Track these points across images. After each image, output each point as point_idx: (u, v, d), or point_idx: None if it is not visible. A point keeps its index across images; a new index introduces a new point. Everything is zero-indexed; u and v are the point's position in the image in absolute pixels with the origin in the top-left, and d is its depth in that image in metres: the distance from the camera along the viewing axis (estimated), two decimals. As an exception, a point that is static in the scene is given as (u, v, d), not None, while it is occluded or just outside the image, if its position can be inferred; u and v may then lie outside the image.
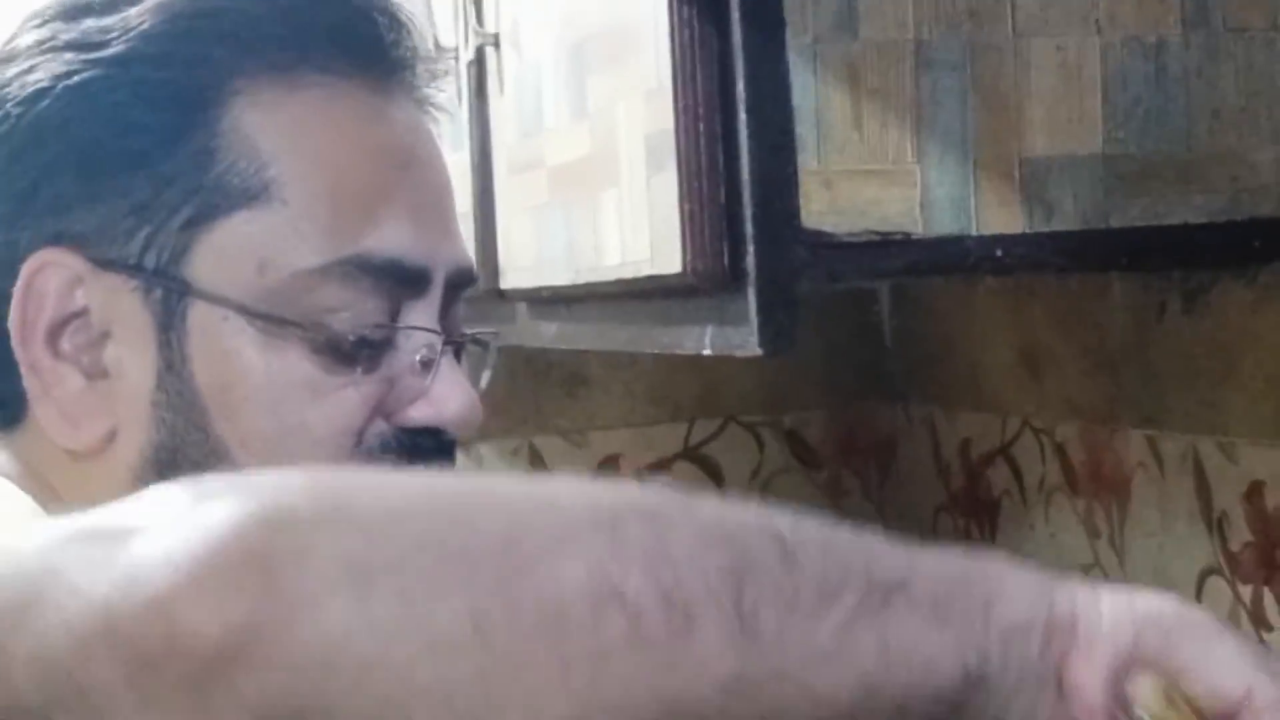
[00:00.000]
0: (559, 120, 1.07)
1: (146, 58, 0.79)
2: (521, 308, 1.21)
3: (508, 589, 0.51)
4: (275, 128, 0.79)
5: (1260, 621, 1.25)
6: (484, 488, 0.60)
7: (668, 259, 0.88)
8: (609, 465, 1.70)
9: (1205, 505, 1.31)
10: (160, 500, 0.53)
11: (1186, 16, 0.87)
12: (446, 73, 0.89)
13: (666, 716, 0.53)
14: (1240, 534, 1.26)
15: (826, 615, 0.55)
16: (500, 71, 1.19)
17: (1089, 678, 0.61)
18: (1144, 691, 0.61)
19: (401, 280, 0.80)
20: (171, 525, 0.51)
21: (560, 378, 1.67)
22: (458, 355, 0.85)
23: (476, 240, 1.22)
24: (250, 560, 0.50)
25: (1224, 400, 1.28)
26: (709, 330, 0.89)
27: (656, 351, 0.97)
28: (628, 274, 0.96)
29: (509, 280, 1.20)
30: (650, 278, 0.92)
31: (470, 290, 0.89)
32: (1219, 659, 0.62)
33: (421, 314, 0.80)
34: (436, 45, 1.21)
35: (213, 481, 0.53)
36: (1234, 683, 0.61)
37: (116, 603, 0.50)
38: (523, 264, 1.18)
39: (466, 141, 1.23)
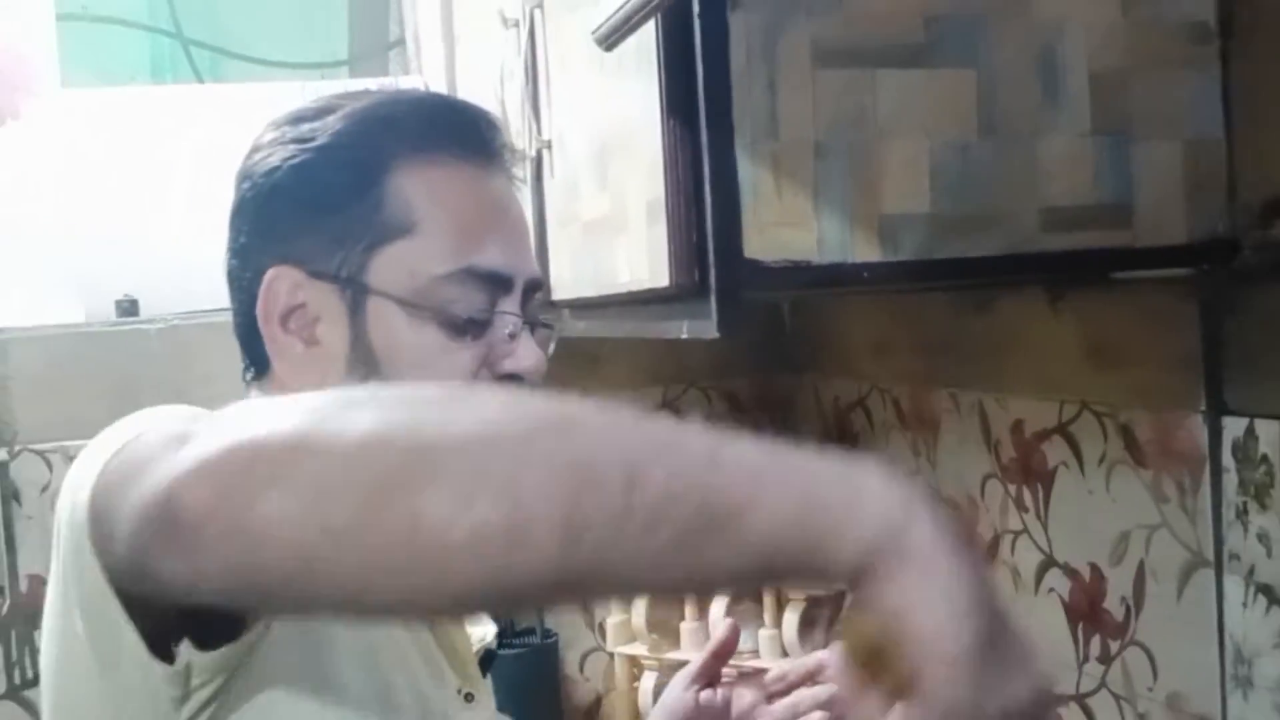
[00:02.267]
0: (589, 191, 1.09)
1: (340, 147, 0.82)
2: (565, 312, 1.22)
3: (399, 502, 0.48)
4: (419, 188, 0.82)
5: (1021, 505, 1.27)
6: (428, 410, 0.53)
7: (659, 278, 0.89)
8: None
9: (986, 435, 1.32)
10: (225, 415, 0.55)
11: (982, 126, 0.88)
12: (524, 159, 0.92)
13: (502, 594, 0.50)
14: (1008, 452, 1.28)
15: (654, 533, 0.49)
16: (552, 162, 1.20)
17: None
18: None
19: (496, 283, 0.83)
20: (204, 437, 0.53)
21: (584, 358, 1.68)
22: (533, 331, 0.87)
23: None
24: (233, 463, 0.51)
25: (1000, 370, 1.30)
26: (685, 323, 0.90)
27: (650, 337, 0.98)
28: (633, 288, 0.97)
29: (557, 294, 1.21)
30: (647, 290, 0.93)
31: (539, 295, 0.91)
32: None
33: (509, 304, 0.84)
34: (511, 148, 1.24)
35: (268, 403, 0.54)
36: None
37: (161, 482, 0.53)
38: (565, 283, 1.19)
39: (529, 207, 1.24)
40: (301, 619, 0.70)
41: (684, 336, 0.91)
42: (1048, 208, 0.90)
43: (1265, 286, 0.94)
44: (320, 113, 0.84)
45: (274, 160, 0.83)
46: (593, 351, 1.69)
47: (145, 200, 1.62)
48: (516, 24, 1.25)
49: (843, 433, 1.65)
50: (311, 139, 0.82)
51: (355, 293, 0.81)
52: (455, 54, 1.54)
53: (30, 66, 1.64)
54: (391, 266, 0.81)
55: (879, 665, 0.51)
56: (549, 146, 1.20)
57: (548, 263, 1.22)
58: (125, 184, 1.64)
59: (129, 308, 1.61)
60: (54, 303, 1.61)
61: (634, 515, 0.48)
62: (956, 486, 1.39)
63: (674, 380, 1.74)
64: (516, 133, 1.23)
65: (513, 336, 0.84)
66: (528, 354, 0.84)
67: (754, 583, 0.53)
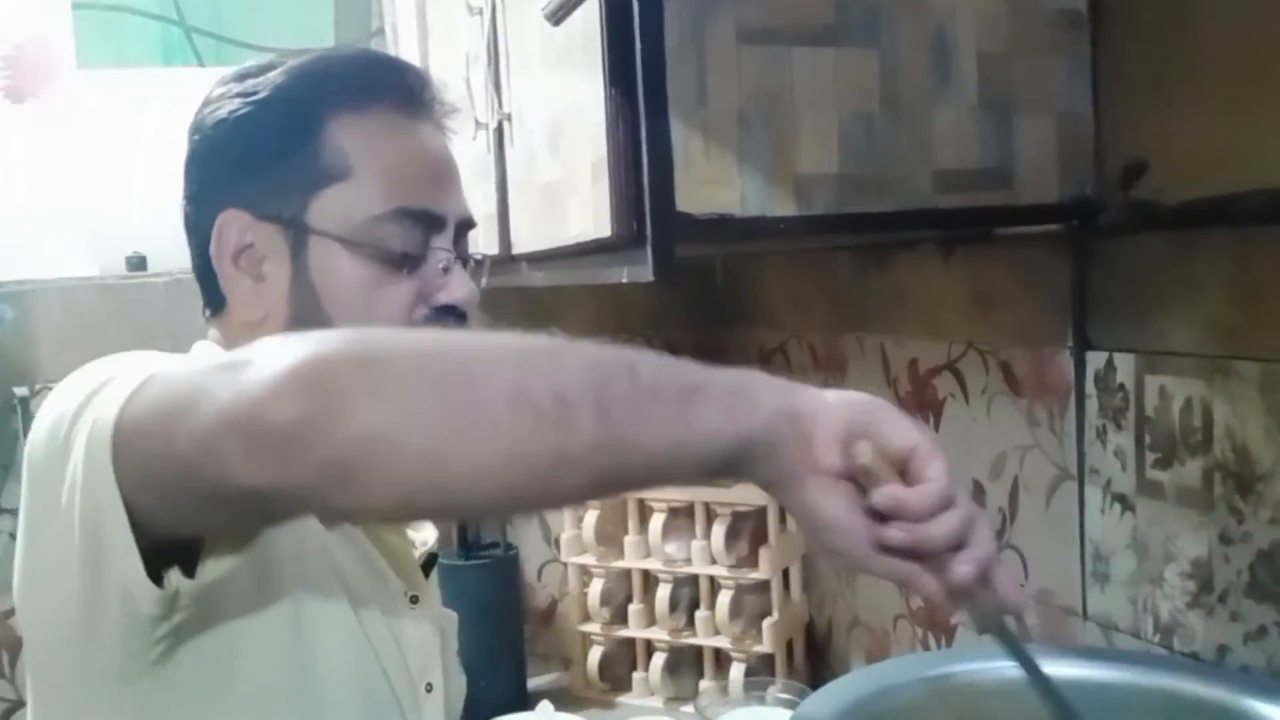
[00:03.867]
0: (544, 158, 1.06)
1: (280, 100, 0.80)
2: (523, 264, 1.20)
3: (464, 395, 0.52)
4: (353, 136, 0.80)
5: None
6: (454, 339, 0.59)
7: (602, 230, 0.87)
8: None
9: (887, 373, 1.32)
10: (268, 345, 0.54)
11: (883, 99, 0.87)
12: (457, 109, 0.89)
13: (557, 463, 0.53)
14: (905, 387, 1.28)
15: (653, 405, 0.56)
16: (512, 134, 1.17)
17: (826, 445, 0.61)
18: (862, 450, 0.61)
19: (429, 221, 0.81)
20: (268, 359, 0.52)
21: (542, 311, 1.65)
22: (466, 266, 0.85)
23: (499, 228, 1.21)
24: (309, 380, 0.50)
25: (898, 317, 1.29)
26: (625, 269, 0.88)
27: (597, 283, 0.96)
28: (581, 240, 0.95)
29: (517, 249, 1.18)
30: (593, 241, 0.91)
31: (487, 257, 0.89)
32: (898, 428, 0.62)
33: (442, 241, 0.82)
34: (477, 122, 1.20)
35: (298, 336, 0.53)
36: (908, 440, 0.61)
37: (235, 401, 0.51)
38: (524, 239, 1.16)
39: (493, 174, 1.21)
40: (362, 516, 0.73)
41: (624, 281, 0.89)
42: (939, 171, 0.89)
43: (1124, 240, 0.94)
44: (263, 69, 0.81)
45: (221, 113, 0.80)
46: (549, 305, 1.67)
47: (152, 168, 1.57)
48: (480, 12, 1.21)
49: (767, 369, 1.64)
50: (254, 93, 0.79)
51: (297, 233, 0.78)
52: (429, 41, 1.49)
53: (49, 50, 1.60)
54: (330, 208, 0.78)
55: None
56: (509, 120, 1.17)
57: (509, 223, 1.19)
58: (134, 154, 1.59)
59: (138, 263, 1.58)
60: (71, 259, 1.57)
61: (639, 391, 0.55)
62: (861, 418, 1.39)
63: (620, 330, 1.72)
64: (480, 109, 1.20)
65: (446, 271, 0.81)
66: (460, 286, 0.82)
67: (725, 441, 0.57)
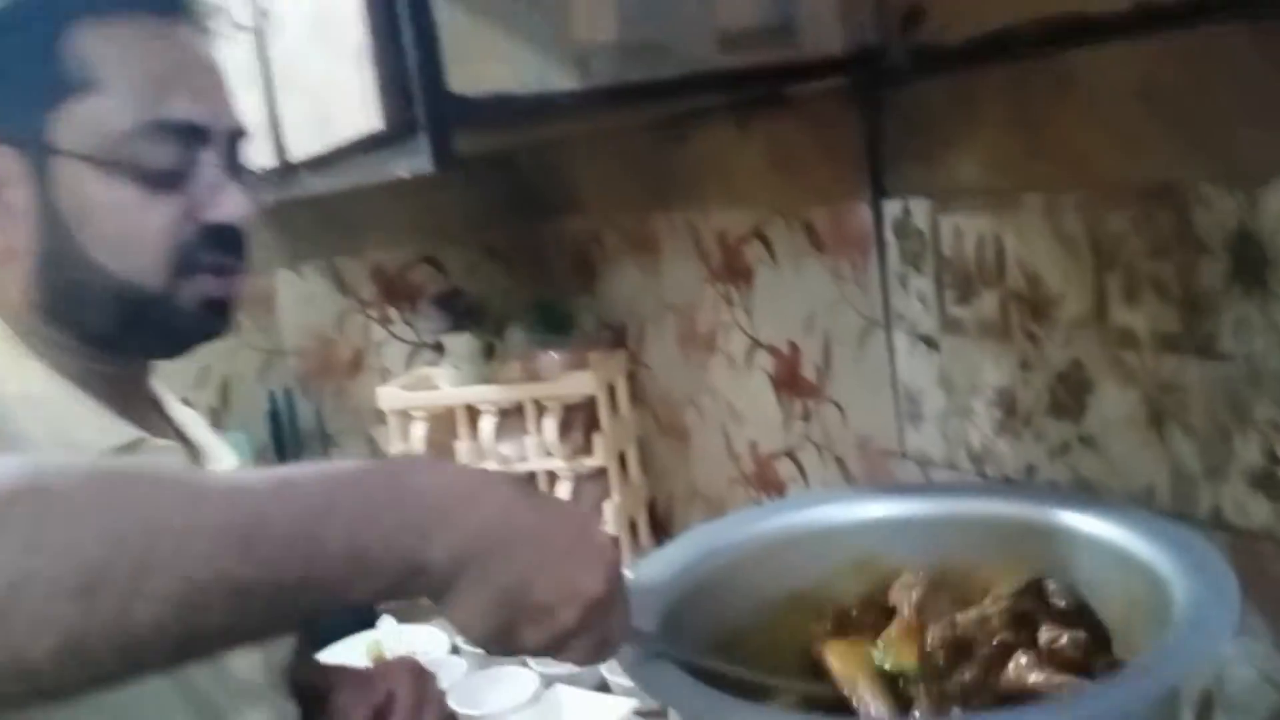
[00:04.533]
0: (308, 54, 0.97)
1: (15, 8, 0.69)
2: (303, 172, 1.11)
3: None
4: (98, 45, 0.70)
5: (730, 301, 1.27)
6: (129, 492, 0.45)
7: (374, 123, 0.81)
8: (377, 270, 1.61)
9: (699, 247, 1.31)
10: None
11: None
12: (220, 8, 0.79)
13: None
14: (716, 259, 1.27)
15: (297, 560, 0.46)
16: (273, 31, 1.07)
17: None
18: None
19: (191, 134, 0.71)
20: None
21: (346, 227, 1.57)
22: (240, 181, 0.76)
23: (271, 135, 1.11)
24: None
25: (703, 190, 1.27)
26: (404, 161, 0.82)
27: (378, 180, 0.90)
28: (353, 136, 0.88)
29: (293, 154, 1.09)
30: (366, 136, 0.84)
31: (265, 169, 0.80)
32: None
33: (210, 155, 0.73)
34: (235, 24, 1.09)
35: None
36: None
37: None
38: (298, 143, 1.08)
39: (260, 79, 1.11)
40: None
41: (405, 176, 0.83)
42: (722, 30, 0.85)
43: (910, 87, 0.93)
44: None
45: None
46: (354, 221, 1.58)
47: None
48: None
49: (583, 265, 1.61)
50: None
51: (38, 154, 0.69)
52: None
53: None
54: (75, 125, 0.68)
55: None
56: (268, 17, 1.07)
57: (280, 129, 1.10)
58: None
59: None
60: None
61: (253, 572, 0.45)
62: (679, 295, 1.38)
63: (432, 236, 1.65)
64: (239, 10, 1.10)
65: (214, 186, 0.73)
66: (231, 202, 0.73)
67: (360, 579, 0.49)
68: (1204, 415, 0.75)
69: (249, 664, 0.73)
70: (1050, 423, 0.88)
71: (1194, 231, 0.73)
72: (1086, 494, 0.84)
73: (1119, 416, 0.82)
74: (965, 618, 0.69)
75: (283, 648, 0.79)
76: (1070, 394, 0.85)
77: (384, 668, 0.87)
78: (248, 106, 1.11)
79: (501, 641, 0.53)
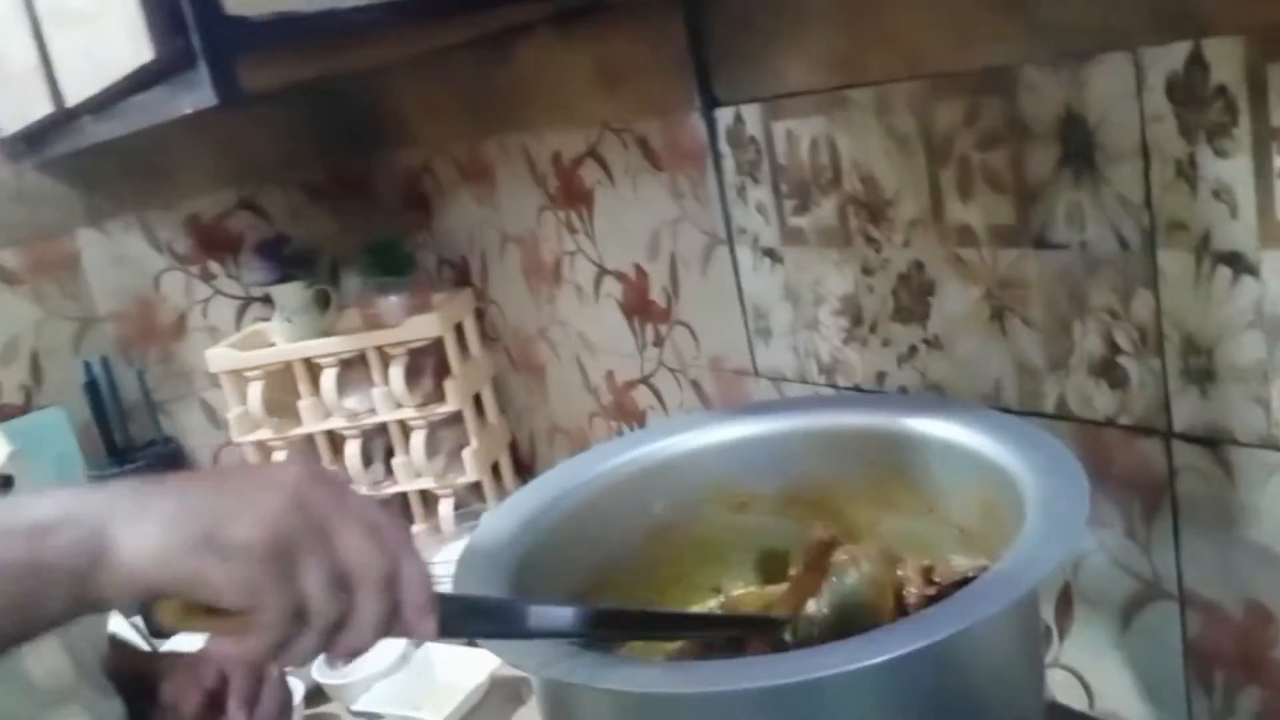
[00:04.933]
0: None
1: None
2: (85, 119, 1.00)
3: None
4: None
5: (571, 228, 1.21)
6: None
7: (147, 54, 0.72)
8: (192, 221, 1.49)
9: (534, 172, 1.25)
10: None
11: None
12: None
13: None
14: (553, 183, 1.22)
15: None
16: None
17: None
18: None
19: None
20: None
21: (154, 172, 1.44)
22: None
23: (46, 80, 0.99)
24: None
25: (533, 111, 1.21)
26: (186, 98, 0.74)
27: (161, 121, 0.81)
28: (130, 73, 0.79)
29: (70, 101, 0.98)
30: (140, 69, 0.75)
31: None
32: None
33: None
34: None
35: None
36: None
37: None
38: (75, 87, 0.97)
39: (27, 15, 0.99)
40: None
41: (189, 111, 0.74)
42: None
43: (732, -14, 0.89)
44: None
45: None
46: (159, 168, 1.45)
47: None
48: None
49: (417, 200, 1.53)
50: None
51: None
52: None
53: None
54: None
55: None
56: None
57: (54, 72, 0.99)
58: None
59: None
60: None
61: None
62: (519, 225, 1.32)
63: (248, 179, 1.53)
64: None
65: None
66: None
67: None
68: (1043, 308, 0.75)
69: (50, 667, 0.66)
70: (896, 328, 0.86)
71: (1022, 118, 0.71)
72: (936, 398, 0.83)
73: (962, 315, 0.80)
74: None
75: (94, 644, 0.72)
76: (913, 297, 0.84)
77: (216, 648, 0.81)
78: (18, 49, 1.00)
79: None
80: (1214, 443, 0.67)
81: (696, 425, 0.80)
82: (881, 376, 0.89)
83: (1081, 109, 0.68)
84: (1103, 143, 0.67)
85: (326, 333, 1.39)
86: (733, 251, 0.99)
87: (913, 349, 0.85)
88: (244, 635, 0.47)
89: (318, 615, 0.46)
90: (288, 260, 1.42)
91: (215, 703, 0.76)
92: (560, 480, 0.77)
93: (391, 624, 0.48)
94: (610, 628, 0.61)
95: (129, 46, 0.75)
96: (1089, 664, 0.81)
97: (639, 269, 1.13)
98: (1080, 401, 0.74)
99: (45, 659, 0.65)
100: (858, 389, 0.91)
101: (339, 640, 0.48)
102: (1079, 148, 0.68)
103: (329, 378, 1.37)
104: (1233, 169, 0.61)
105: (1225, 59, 0.60)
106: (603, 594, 0.75)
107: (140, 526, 0.46)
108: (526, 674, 0.52)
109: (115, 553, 0.46)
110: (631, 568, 0.76)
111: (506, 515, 0.73)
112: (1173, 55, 0.62)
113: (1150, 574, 0.74)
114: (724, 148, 0.95)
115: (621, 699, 0.51)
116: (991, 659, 0.51)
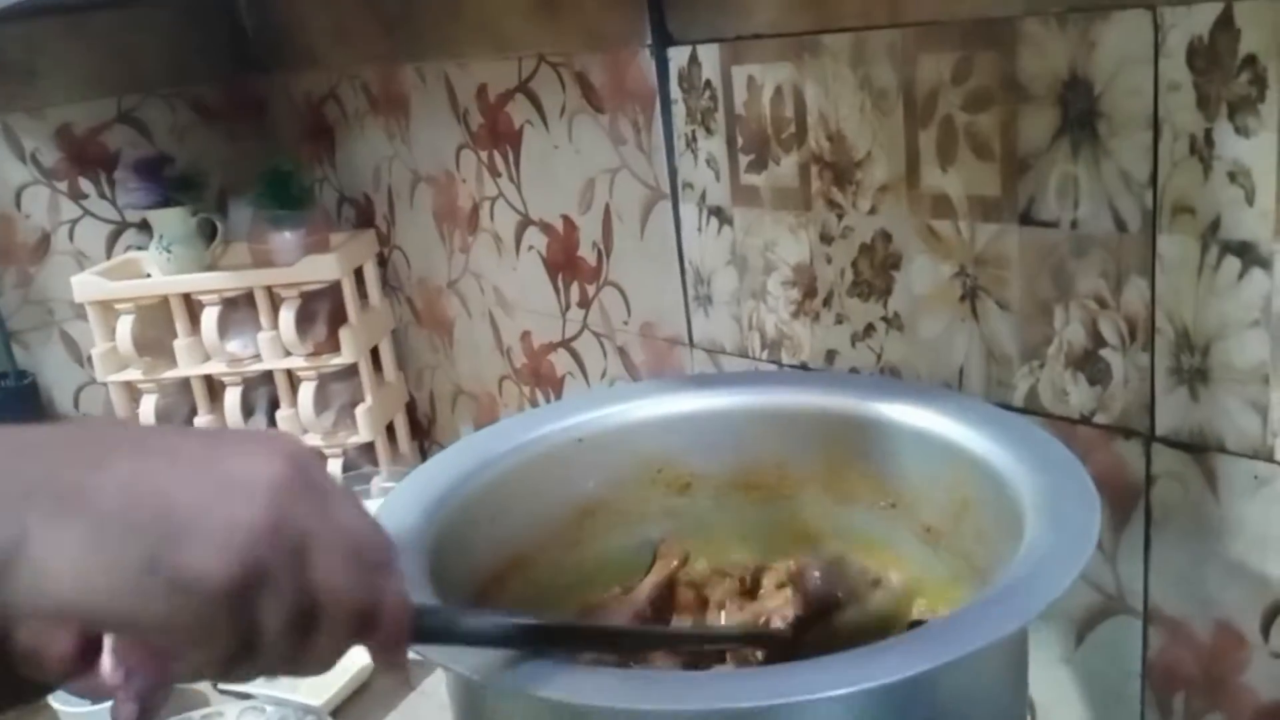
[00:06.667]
0: None
1: None
2: None
3: None
4: None
5: (494, 171, 1.12)
6: None
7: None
8: (63, 131, 1.34)
9: (454, 105, 1.14)
10: None
11: None
12: None
13: None
14: (476, 119, 1.12)
15: None
16: None
17: None
18: None
19: None
20: None
21: (17, 73, 1.29)
22: None
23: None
24: None
25: (457, 35, 1.11)
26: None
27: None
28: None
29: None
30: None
31: None
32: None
33: None
34: None
35: None
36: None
37: None
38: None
39: None
40: None
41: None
42: None
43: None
44: None
45: None
46: (27, 68, 1.31)
47: None
48: None
49: (319, 129, 1.41)
50: None
51: None
52: None
53: None
54: None
55: None
56: None
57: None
58: None
59: None
60: None
61: None
62: (433, 163, 1.22)
63: (129, 89, 1.39)
64: None
65: None
66: None
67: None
68: (1022, 290, 0.69)
69: None
70: (854, 303, 0.80)
71: (1018, 78, 0.65)
72: (908, 382, 0.77)
73: (929, 293, 0.74)
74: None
75: None
76: (876, 270, 0.78)
77: (119, 648, 0.70)
78: None
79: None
80: (1199, 449, 0.63)
81: (638, 395, 0.73)
82: (831, 355, 0.83)
83: (1087, 71, 0.62)
84: (1108, 111, 0.61)
85: (210, 267, 1.28)
86: (676, 208, 0.91)
87: (869, 327, 0.79)
88: (161, 651, 0.36)
89: (268, 651, 0.37)
90: (170, 183, 1.29)
91: (85, 653, 0.65)
92: (490, 445, 0.69)
93: (350, 654, 0.40)
94: (605, 645, 0.57)
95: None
96: (1034, 680, 0.76)
97: (568, 221, 1.04)
98: (1054, 395, 0.69)
99: None
100: (804, 367, 0.85)
101: (282, 669, 0.38)
102: (1080, 115, 0.63)
103: (210, 317, 1.25)
104: (1254, 149, 0.56)
105: (1259, 24, 0.55)
106: (514, 576, 0.67)
107: (62, 530, 0.34)
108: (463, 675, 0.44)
109: (24, 562, 0.33)
110: (553, 549, 0.69)
111: (410, 491, 0.64)
112: (1198, 17, 0.57)
113: (1114, 586, 0.69)
114: (675, 91, 0.87)
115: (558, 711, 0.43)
116: (981, 689, 0.46)
